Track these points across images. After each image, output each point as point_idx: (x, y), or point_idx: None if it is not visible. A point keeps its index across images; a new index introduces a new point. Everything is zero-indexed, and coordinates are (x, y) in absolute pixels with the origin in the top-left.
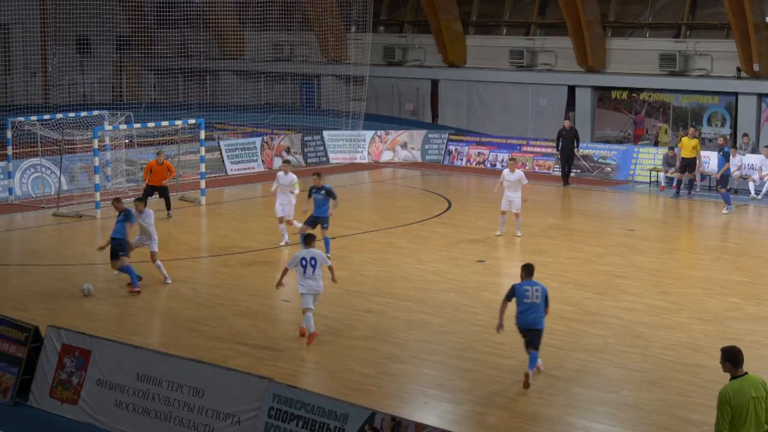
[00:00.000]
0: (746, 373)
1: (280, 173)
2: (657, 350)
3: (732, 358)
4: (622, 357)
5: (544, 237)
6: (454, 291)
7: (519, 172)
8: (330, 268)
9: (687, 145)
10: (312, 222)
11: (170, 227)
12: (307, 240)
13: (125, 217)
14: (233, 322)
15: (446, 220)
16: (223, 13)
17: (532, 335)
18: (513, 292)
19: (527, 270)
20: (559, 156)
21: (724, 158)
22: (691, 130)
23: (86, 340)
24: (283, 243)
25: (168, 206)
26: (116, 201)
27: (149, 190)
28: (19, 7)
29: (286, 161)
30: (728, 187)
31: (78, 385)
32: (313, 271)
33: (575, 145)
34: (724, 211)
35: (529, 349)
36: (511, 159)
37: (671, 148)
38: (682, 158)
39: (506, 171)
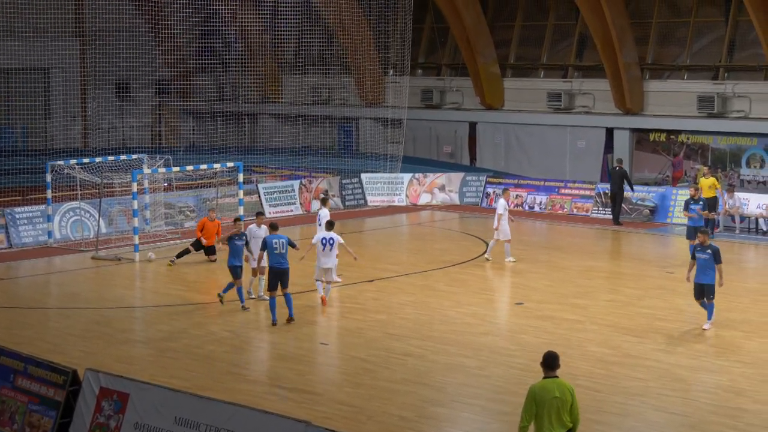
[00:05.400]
0: (557, 376)
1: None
2: (697, 393)
3: (545, 361)
4: (662, 400)
5: (583, 279)
6: (492, 334)
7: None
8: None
9: (704, 185)
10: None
11: (210, 271)
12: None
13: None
14: (272, 365)
15: (484, 262)
16: (261, 57)
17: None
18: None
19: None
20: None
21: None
22: (705, 169)
23: (124, 384)
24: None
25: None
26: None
27: (197, 245)
28: (59, 52)
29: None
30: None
31: (116, 429)
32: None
33: (620, 185)
34: None
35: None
36: (504, 190)
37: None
38: (702, 199)
39: (503, 201)
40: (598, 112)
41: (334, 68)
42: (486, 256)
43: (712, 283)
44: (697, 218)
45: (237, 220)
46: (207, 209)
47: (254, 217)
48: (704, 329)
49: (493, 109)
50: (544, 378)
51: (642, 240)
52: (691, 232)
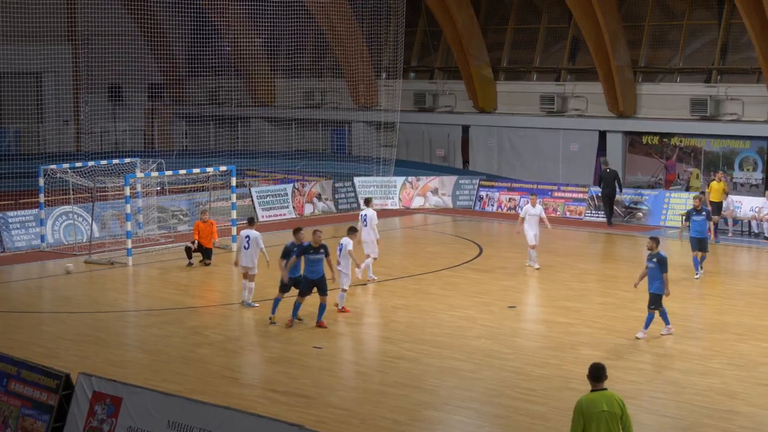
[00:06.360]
0: (605, 389)
1: None
2: (690, 396)
3: (592, 373)
4: (655, 403)
5: (576, 282)
6: (485, 337)
7: (540, 207)
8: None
9: (717, 189)
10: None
11: (203, 274)
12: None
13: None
14: (264, 368)
15: (477, 266)
16: (254, 60)
17: None
18: None
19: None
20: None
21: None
22: (719, 173)
23: (117, 388)
24: None
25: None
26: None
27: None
28: (52, 56)
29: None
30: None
31: None
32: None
33: (613, 187)
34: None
35: None
36: (532, 194)
37: (702, 193)
38: (712, 203)
39: (529, 207)
40: (590, 115)
41: (327, 72)
42: (533, 265)
43: (658, 293)
44: (700, 228)
45: (317, 231)
46: (199, 212)
47: (246, 222)
48: (662, 334)
49: (485, 113)
50: (592, 391)
51: (635, 243)
52: (695, 243)
